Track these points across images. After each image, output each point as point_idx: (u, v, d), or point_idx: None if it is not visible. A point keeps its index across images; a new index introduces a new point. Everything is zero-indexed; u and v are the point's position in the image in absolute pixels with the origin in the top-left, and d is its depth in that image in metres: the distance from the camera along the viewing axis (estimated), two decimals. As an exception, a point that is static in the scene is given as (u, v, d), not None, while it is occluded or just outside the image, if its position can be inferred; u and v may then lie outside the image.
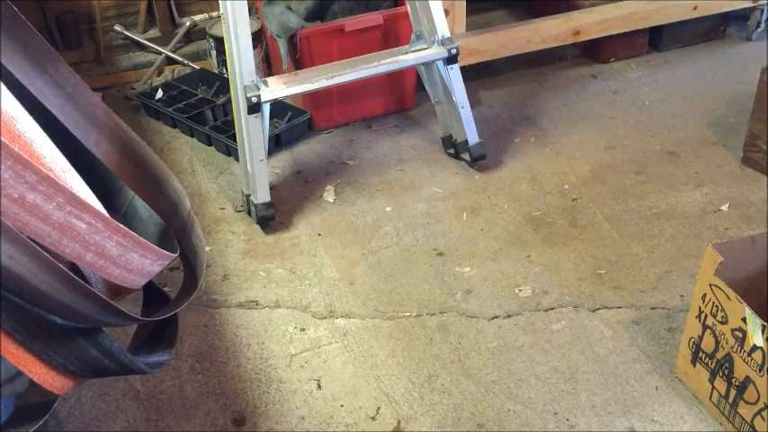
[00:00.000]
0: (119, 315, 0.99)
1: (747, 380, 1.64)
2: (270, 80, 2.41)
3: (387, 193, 2.61)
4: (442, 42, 2.50)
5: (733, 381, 1.68)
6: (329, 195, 2.60)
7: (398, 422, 1.81)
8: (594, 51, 3.34)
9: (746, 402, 1.66)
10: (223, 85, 3.10)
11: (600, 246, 2.32)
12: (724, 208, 2.45)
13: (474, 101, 3.04)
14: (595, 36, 3.13)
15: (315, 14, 2.81)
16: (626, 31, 3.17)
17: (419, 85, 2.84)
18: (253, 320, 2.12)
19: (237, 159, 2.64)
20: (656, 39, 3.37)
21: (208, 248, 2.37)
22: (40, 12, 3.22)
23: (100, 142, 1.21)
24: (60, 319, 0.99)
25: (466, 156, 2.69)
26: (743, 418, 1.68)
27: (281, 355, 2.00)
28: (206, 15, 3.52)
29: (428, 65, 2.61)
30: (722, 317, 1.67)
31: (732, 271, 1.69)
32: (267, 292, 2.21)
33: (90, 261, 0.96)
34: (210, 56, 3.23)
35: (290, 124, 2.87)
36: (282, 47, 2.73)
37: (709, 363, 1.75)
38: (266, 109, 2.34)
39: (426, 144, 2.85)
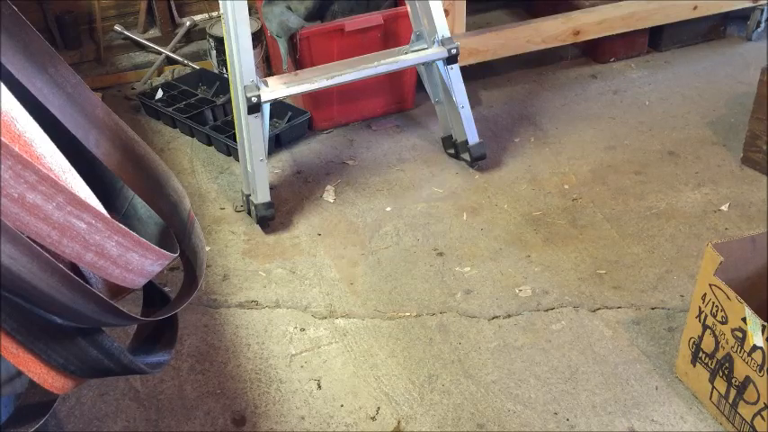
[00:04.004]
0: (119, 315, 0.99)
1: (747, 380, 1.64)
2: (270, 80, 2.41)
3: (387, 193, 2.60)
4: (442, 42, 2.50)
5: (733, 381, 1.68)
6: (329, 195, 2.60)
7: (398, 422, 1.81)
8: (594, 51, 3.34)
9: (746, 402, 1.66)
10: (223, 85, 3.10)
11: (600, 246, 2.32)
12: (724, 208, 2.45)
13: (474, 101, 3.04)
14: (595, 36, 3.13)
15: (315, 14, 2.81)
16: (626, 31, 3.17)
17: (419, 85, 2.84)
18: (253, 320, 2.12)
19: (237, 159, 2.64)
20: (656, 39, 3.37)
21: (208, 248, 2.37)
22: (40, 12, 3.22)
23: (100, 142, 1.21)
24: (60, 319, 0.98)
25: (466, 156, 2.68)
26: (743, 418, 1.68)
27: (281, 355, 2.00)
28: (206, 15, 3.52)
29: (428, 65, 2.61)
30: (722, 317, 1.67)
31: (732, 271, 1.69)
32: (267, 292, 2.21)
33: (90, 261, 0.96)
34: (210, 56, 3.23)
35: (290, 124, 2.87)
36: (282, 47, 2.73)
37: (710, 363, 1.75)
38: (266, 109, 2.34)
39: (426, 144, 2.85)
